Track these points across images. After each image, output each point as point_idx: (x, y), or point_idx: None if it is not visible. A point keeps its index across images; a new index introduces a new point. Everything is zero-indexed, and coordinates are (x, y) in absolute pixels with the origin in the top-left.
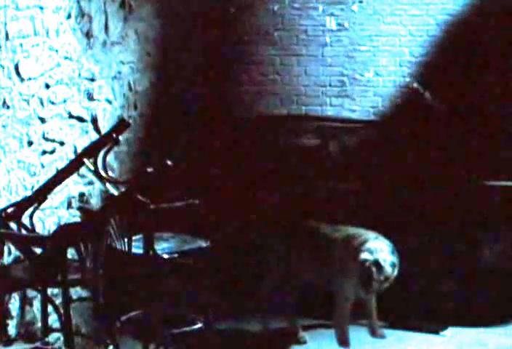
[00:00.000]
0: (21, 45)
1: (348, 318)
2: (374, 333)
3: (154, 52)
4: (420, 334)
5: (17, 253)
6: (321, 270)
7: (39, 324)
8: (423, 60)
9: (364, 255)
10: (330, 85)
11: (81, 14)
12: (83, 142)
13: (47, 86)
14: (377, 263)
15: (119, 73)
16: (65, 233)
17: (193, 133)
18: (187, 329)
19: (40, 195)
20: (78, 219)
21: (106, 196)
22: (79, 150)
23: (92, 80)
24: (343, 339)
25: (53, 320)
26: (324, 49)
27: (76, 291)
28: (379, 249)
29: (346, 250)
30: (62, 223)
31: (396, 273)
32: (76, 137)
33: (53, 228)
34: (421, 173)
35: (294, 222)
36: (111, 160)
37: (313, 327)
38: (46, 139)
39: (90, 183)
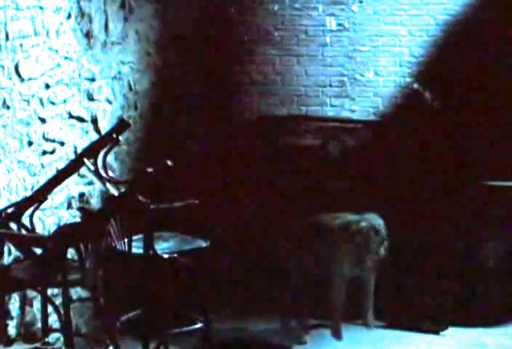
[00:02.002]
0: (21, 45)
1: (342, 305)
2: (366, 322)
3: (154, 52)
4: (420, 334)
5: (17, 253)
6: (320, 256)
7: (39, 324)
8: (423, 60)
9: (362, 223)
10: (330, 85)
11: (81, 14)
12: (83, 142)
13: (47, 86)
14: (373, 228)
15: (119, 73)
16: (65, 233)
17: (193, 133)
18: (187, 328)
19: (40, 195)
20: (78, 219)
21: (106, 196)
22: (79, 150)
23: (92, 80)
24: (336, 329)
25: (53, 320)
26: (324, 49)
27: (76, 291)
28: (372, 218)
29: (345, 235)
30: (62, 223)
31: (386, 236)
32: (76, 137)
33: (53, 228)
34: (421, 173)
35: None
36: (111, 160)
37: (313, 327)
38: (46, 140)
39: (90, 183)
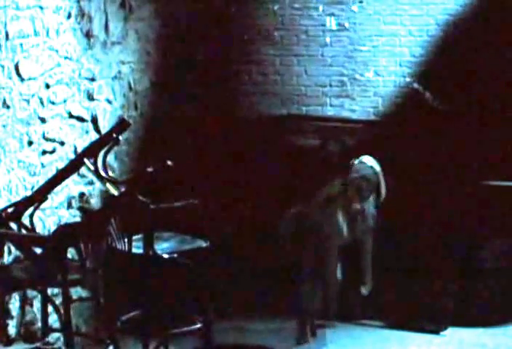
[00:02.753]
0: (21, 45)
1: (337, 281)
2: (364, 289)
3: (154, 52)
4: (420, 334)
5: (17, 253)
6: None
7: (39, 324)
8: (423, 60)
9: (353, 175)
10: (330, 85)
11: (81, 14)
12: (83, 142)
13: (47, 86)
14: (364, 177)
15: (119, 73)
16: (65, 233)
17: (192, 133)
18: (187, 328)
19: (40, 195)
20: (78, 219)
21: (106, 196)
22: (79, 150)
23: (92, 80)
24: (330, 307)
25: (53, 320)
26: (324, 49)
27: (76, 291)
28: (363, 169)
29: (344, 199)
30: (62, 223)
31: (382, 181)
32: (76, 137)
33: (53, 228)
34: (421, 173)
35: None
36: (111, 160)
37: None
38: (46, 139)
39: (90, 183)
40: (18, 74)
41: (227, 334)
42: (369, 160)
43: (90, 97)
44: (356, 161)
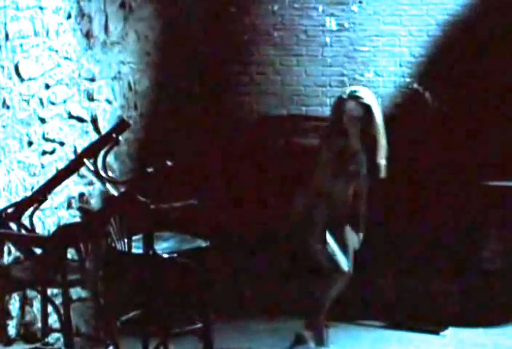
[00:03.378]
0: (21, 45)
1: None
2: (357, 233)
3: (154, 52)
4: (420, 334)
5: (17, 253)
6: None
7: (39, 324)
8: (423, 60)
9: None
10: (330, 85)
11: (81, 14)
12: (83, 142)
13: (47, 86)
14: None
15: (119, 73)
16: (65, 233)
17: (192, 133)
18: (187, 328)
19: (40, 196)
20: (78, 220)
21: (106, 196)
22: (79, 150)
23: (92, 80)
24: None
25: (53, 320)
26: (324, 49)
27: (76, 291)
28: (353, 105)
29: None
30: (62, 223)
31: (378, 126)
32: (76, 137)
33: (53, 228)
34: (421, 173)
35: None
36: (111, 160)
37: None
38: (46, 140)
39: (90, 183)
40: (18, 74)
41: (227, 334)
42: (365, 94)
43: (90, 98)
44: (347, 92)
